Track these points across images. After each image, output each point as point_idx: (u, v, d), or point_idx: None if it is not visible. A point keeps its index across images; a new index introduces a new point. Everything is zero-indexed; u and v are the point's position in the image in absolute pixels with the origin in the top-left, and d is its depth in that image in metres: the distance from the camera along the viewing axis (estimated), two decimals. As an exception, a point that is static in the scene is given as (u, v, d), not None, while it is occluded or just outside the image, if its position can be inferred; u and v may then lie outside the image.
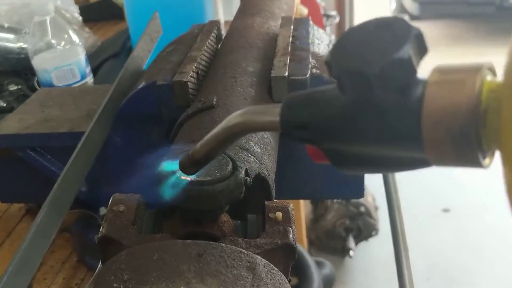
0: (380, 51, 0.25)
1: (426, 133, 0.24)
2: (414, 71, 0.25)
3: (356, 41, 0.26)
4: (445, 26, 4.42)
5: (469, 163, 0.25)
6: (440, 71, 0.25)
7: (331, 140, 0.29)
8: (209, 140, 0.32)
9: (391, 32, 0.25)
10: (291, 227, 0.35)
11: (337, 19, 2.74)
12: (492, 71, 0.25)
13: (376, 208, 2.08)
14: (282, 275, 0.32)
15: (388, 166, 0.29)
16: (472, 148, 0.24)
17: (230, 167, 0.35)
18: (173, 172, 0.34)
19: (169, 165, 0.35)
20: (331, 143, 0.29)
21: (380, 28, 0.26)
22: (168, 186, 0.34)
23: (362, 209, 2.03)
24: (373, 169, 0.30)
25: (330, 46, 0.27)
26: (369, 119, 0.26)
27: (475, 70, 0.24)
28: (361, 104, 0.26)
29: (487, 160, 0.25)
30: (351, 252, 1.99)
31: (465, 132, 0.23)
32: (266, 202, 0.36)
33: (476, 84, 0.23)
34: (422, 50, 0.26)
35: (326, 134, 0.29)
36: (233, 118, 0.31)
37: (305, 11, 1.74)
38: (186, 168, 0.33)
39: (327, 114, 0.28)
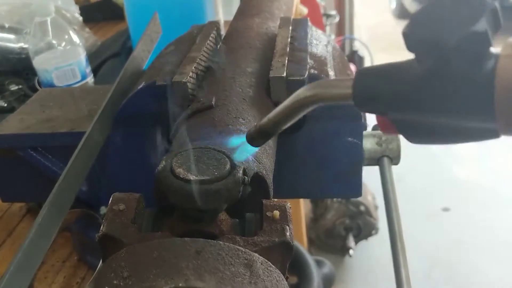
0: (457, 24, 0.26)
1: (498, 103, 0.26)
2: (489, 44, 0.26)
3: (434, 14, 0.28)
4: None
5: None
6: None
7: (403, 111, 0.30)
8: (278, 112, 0.34)
9: (467, 6, 0.27)
10: (288, 225, 0.35)
11: (337, 19, 2.74)
12: None
13: (376, 207, 2.08)
14: (279, 272, 0.32)
15: (458, 136, 0.30)
16: None
17: (228, 166, 0.36)
18: (241, 143, 0.36)
19: (236, 140, 0.37)
20: (403, 113, 0.30)
21: (456, 1, 0.27)
22: (237, 153, 0.35)
23: (362, 208, 2.03)
24: (443, 140, 0.31)
25: (409, 18, 0.29)
26: (444, 89, 0.28)
27: None
28: (436, 75, 0.28)
29: None
30: (351, 251, 1.99)
31: None
32: (264, 201, 0.37)
33: None
34: (496, 23, 0.27)
35: (399, 105, 0.30)
36: (304, 90, 0.33)
37: (305, 10, 1.74)
38: (253, 139, 0.35)
39: (402, 85, 0.29)
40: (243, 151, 0.36)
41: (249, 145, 0.36)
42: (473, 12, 0.26)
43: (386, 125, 0.32)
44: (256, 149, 0.36)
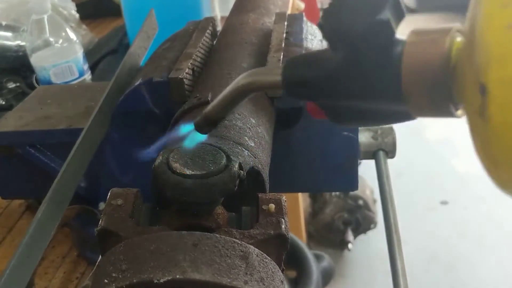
0: (363, 14, 0.29)
1: (405, 86, 0.28)
2: (392, 32, 0.29)
3: (344, 5, 0.30)
4: (442, 18, 4.42)
5: (443, 113, 0.28)
6: (416, 33, 0.29)
7: (326, 97, 0.32)
8: (220, 100, 0.36)
9: None
10: (283, 218, 0.36)
11: (334, 13, 2.74)
12: (462, 33, 0.28)
13: (375, 201, 2.09)
14: (275, 264, 0.33)
15: (377, 119, 0.33)
16: (444, 99, 0.27)
17: (224, 161, 0.36)
18: (190, 131, 0.38)
19: (185, 128, 0.38)
20: (327, 99, 0.33)
21: None
22: (187, 141, 0.37)
23: (361, 202, 2.04)
24: (364, 123, 0.35)
25: (323, 11, 0.31)
26: (357, 76, 0.30)
27: (446, 31, 0.28)
28: (349, 62, 0.30)
29: (459, 112, 0.28)
30: (349, 245, 2.00)
31: (437, 85, 0.27)
32: (260, 195, 0.38)
33: (446, 43, 0.27)
34: (399, 14, 0.29)
35: (322, 91, 0.32)
36: (241, 79, 0.35)
37: (302, 5, 1.74)
38: (201, 127, 0.37)
39: (322, 73, 0.32)
40: (193, 139, 0.37)
41: (198, 133, 0.38)
42: (378, 3, 0.29)
43: (315, 110, 0.35)
44: (204, 137, 0.38)
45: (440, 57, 0.27)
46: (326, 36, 0.31)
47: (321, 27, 0.31)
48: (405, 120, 0.32)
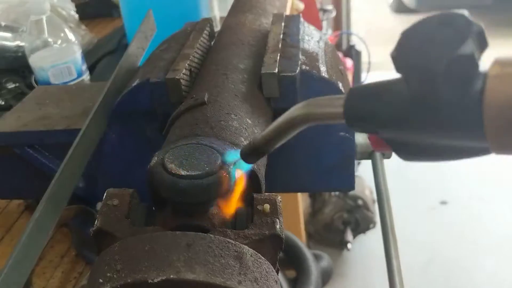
0: (444, 47, 0.26)
1: (487, 124, 0.26)
2: (476, 66, 0.26)
3: (420, 37, 0.28)
4: (442, 19, 4.41)
5: None
6: (500, 64, 0.26)
7: (394, 131, 0.30)
8: (271, 130, 0.34)
9: (453, 28, 0.27)
10: (278, 219, 0.36)
11: (334, 14, 2.74)
12: None
13: (374, 201, 2.09)
14: (269, 264, 0.33)
15: (449, 154, 0.31)
16: None
17: (219, 161, 0.37)
18: (236, 160, 0.37)
19: (230, 155, 0.37)
20: (394, 133, 0.30)
21: (442, 23, 0.27)
22: (232, 171, 0.36)
23: (360, 202, 2.04)
24: (435, 158, 0.32)
25: (396, 42, 0.29)
26: (433, 111, 0.28)
27: None
28: (425, 98, 0.28)
29: None
30: (349, 245, 2.01)
31: None
32: (255, 195, 0.38)
33: None
34: (482, 44, 0.27)
35: (389, 125, 0.30)
36: (296, 109, 0.33)
37: (301, 5, 1.75)
38: (247, 156, 0.36)
39: (392, 106, 0.29)
40: (238, 167, 0.36)
41: (243, 162, 0.36)
42: (459, 34, 0.26)
43: (378, 143, 0.33)
44: (250, 166, 0.37)
45: None
46: (399, 69, 0.28)
47: (394, 59, 0.28)
48: (481, 155, 0.29)
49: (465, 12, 0.27)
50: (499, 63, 0.26)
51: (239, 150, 0.36)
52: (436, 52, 0.26)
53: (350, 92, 0.32)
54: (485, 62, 0.27)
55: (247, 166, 0.37)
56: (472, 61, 0.26)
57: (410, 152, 0.31)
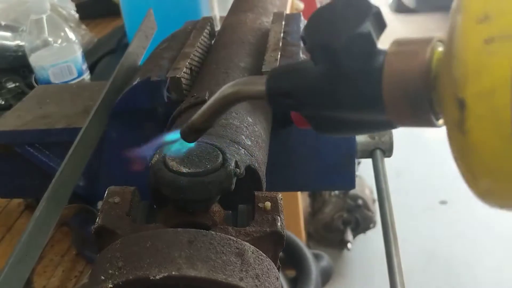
0: (344, 27, 0.29)
1: (386, 97, 0.28)
2: (374, 44, 0.29)
3: (326, 18, 0.30)
4: (442, 19, 4.42)
5: (424, 123, 0.28)
6: (398, 43, 0.29)
7: (310, 107, 0.32)
8: (206, 109, 0.36)
9: (354, 10, 0.29)
10: (279, 216, 0.36)
11: (333, 13, 2.74)
12: (443, 44, 0.28)
13: (374, 201, 2.09)
14: (271, 261, 0.33)
15: (360, 128, 0.33)
16: (425, 109, 0.27)
17: (220, 159, 0.37)
18: (176, 140, 0.38)
19: (171, 135, 0.38)
20: (310, 109, 0.33)
21: (345, 6, 0.30)
22: (172, 150, 0.37)
23: (360, 202, 2.04)
24: (348, 132, 0.35)
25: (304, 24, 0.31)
26: (339, 86, 0.30)
27: (427, 42, 0.27)
28: (331, 74, 0.30)
29: (440, 121, 0.28)
30: (349, 245, 2.01)
31: (418, 95, 0.27)
32: (256, 192, 0.38)
33: (426, 53, 0.27)
34: (381, 25, 0.29)
35: (305, 101, 0.32)
36: (226, 88, 0.35)
37: (301, 5, 1.75)
38: (187, 135, 0.37)
39: (305, 83, 0.32)
40: (180, 146, 0.37)
41: (184, 141, 0.38)
42: (359, 16, 0.29)
43: (299, 120, 0.35)
44: (191, 145, 0.38)
45: (421, 68, 0.27)
46: (307, 48, 0.31)
47: (302, 39, 0.31)
48: (388, 128, 0.32)
49: None
50: (397, 42, 0.29)
51: (179, 130, 0.38)
52: (336, 31, 0.29)
53: (271, 71, 0.34)
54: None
55: (189, 145, 0.38)
56: (369, 39, 0.28)
57: (327, 128, 0.34)
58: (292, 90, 0.32)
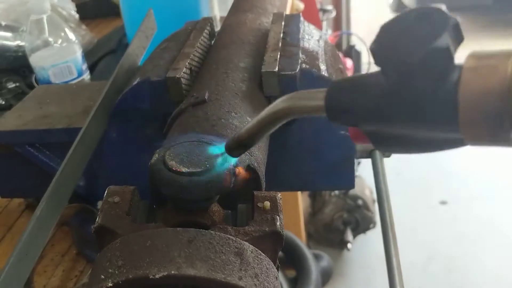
0: (420, 41, 0.27)
1: (462, 116, 0.26)
2: (451, 59, 0.27)
3: (398, 31, 0.28)
4: (442, 19, 4.40)
5: (503, 142, 0.26)
6: (475, 57, 0.27)
7: (373, 123, 0.31)
8: (254, 124, 0.34)
9: (429, 22, 0.27)
10: (278, 216, 0.36)
11: (334, 14, 2.75)
12: None
13: (374, 201, 2.09)
14: (270, 260, 0.33)
15: (426, 146, 0.31)
16: (505, 129, 0.25)
17: (222, 168, 0.37)
18: (221, 154, 0.37)
19: (215, 148, 0.38)
20: (373, 126, 0.31)
21: (419, 18, 0.28)
22: (218, 164, 0.36)
23: (360, 202, 2.05)
24: (412, 150, 0.32)
25: (375, 35, 0.29)
26: (410, 103, 0.28)
27: (508, 55, 0.26)
28: (402, 90, 0.28)
29: None
30: (349, 245, 2.01)
31: (498, 115, 0.25)
32: (255, 192, 0.38)
33: (508, 69, 0.25)
34: (458, 38, 0.27)
35: (368, 118, 0.30)
36: (279, 103, 0.33)
37: (301, 6, 1.75)
38: (231, 150, 0.36)
39: (370, 99, 0.30)
40: (224, 160, 0.37)
41: (228, 156, 0.37)
42: (435, 28, 0.27)
43: (358, 135, 0.33)
44: (235, 159, 0.37)
45: (501, 85, 0.25)
46: (377, 62, 0.29)
47: (372, 52, 0.29)
48: (457, 147, 0.30)
49: (443, 6, 0.28)
50: (474, 56, 0.27)
51: (224, 143, 0.36)
52: (412, 45, 0.27)
53: (331, 85, 0.32)
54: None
55: (233, 160, 0.37)
56: (447, 54, 0.27)
57: (389, 144, 0.32)
58: (356, 105, 0.31)
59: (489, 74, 0.25)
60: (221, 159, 0.36)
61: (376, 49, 0.29)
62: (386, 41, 0.28)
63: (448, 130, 0.28)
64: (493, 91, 0.25)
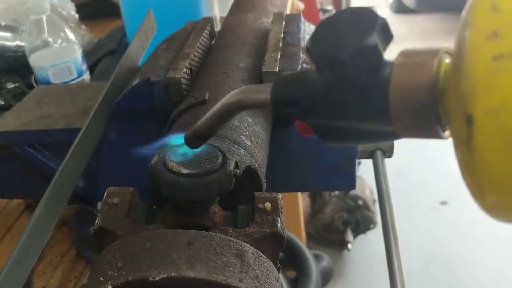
0: (351, 39, 0.28)
1: (392, 108, 0.28)
2: (380, 55, 0.28)
3: (332, 29, 0.30)
4: (442, 19, 4.42)
5: (430, 135, 0.28)
6: (405, 54, 0.28)
7: (315, 116, 0.32)
8: (209, 116, 0.36)
9: (360, 22, 0.29)
10: (279, 217, 0.36)
11: (334, 14, 2.74)
12: (451, 56, 0.28)
13: (374, 201, 2.09)
14: (270, 262, 0.33)
15: (365, 137, 0.33)
16: (432, 122, 0.27)
17: (220, 159, 0.37)
18: (180, 145, 0.38)
19: (175, 139, 0.38)
20: (316, 118, 0.32)
21: (352, 17, 0.29)
22: (176, 154, 0.37)
23: (360, 202, 2.04)
24: (353, 141, 0.34)
25: (310, 34, 0.31)
26: (345, 97, 0.30)
27: (434, 53, 0.27)
28: (337, 85, 0.30)
29: (446, 133, 0.28)
30: (349, 245, 2.01)
31: (424, 108, 0.27)
32: (256, 193, 0.38)
33: (434, 65, 0.27)
34: (388, 36, 0.29)
35: (311, 111, 0.32)
36: (230, 96, 0.34)
37: (301, 6, 1.75)
38: (190, 142, 0.37)
39: (310, 93, 0.31)
40: (184, 150, 0.37)
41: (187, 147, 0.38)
42: (365, 27, 0.28)
43: (304, 128, 0.35)
44: (195, 151, 0.38)
45: (428, 80, 0.27)
46: (313, 59, 0.30)
47: (308, 50, 0.31)
48: (392, 139, 0.32)
49: (373, 7, 0.30)
50: (404, 53, 0.28)
51: (183, 135, 0.37)
52: (343, 42, 0.28)
53: (276, 80, 0.34)
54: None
55: (192, 150, 0.38)
56: (376, 51, 0.28)
57: (332, 137, 0.33)
58: (297, 99, 0.32)
59: (417, 70, 0.27)
60: (182, 148, 0.37)
61: (312, 46, 0.30)
62: (320, 39, 0.30)
63: (382, 123, 0.29)
64: (420, 86, 0.27)
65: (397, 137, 0.30)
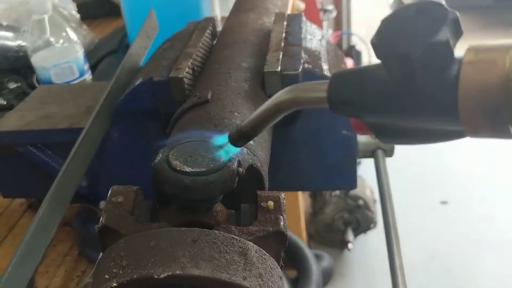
0: (420, 35, 0.27)
1: (462, 109, 0.27)
2: (451, 53, 0.27)
3: (399, 25, 0.29)
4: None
5: (501, 135, 0.27)
6: (474, 51, 0.27)
7: (374, 115, 0.31)
8: (257, 115, 0.35)
9: (429, 16, 0.28)
10: (282, 215, 0.36)
11: (334, 14, 2.75)
12: None
13: (375, 201, 2.09)
14: (274, 260, 0.33)
15: (426, 137, 0.32)
16: (504, 121, 0.26)
17: (223, 158, 0.37)
18: (224, 143, 0.37)
19: (218, 139, 0.38)
20: (375, 117, 0.31)
21: (419, 12, 0.28)
22: (222, 152, 0.36)
23: (361, 202, 2.04)
24: (413, 141, 0.33)
25: (376, 29, 0.30)
26: (411, 95, 0.29)
27: (506, 49, 0.26)
28: (404, 83, 0.29)
29: None
30: (349, 245, 2.01)
31: (497, 108, 0.25)
32: (258, 192, 0.38)
33: (506, 63, 0.25)
34: (458, 32, 0.28)
35: (371, 109, 0.31)
36: (281, 94, 0.33)
37: (302, 5, 1.75)
38: (235, 141, 0.36)
39: (372, 91, 0.30)
40: (227, 151, 0.37)
41: (231, 146, 0.37)
42: (435, 22, 0.27)
43: (359, 126, 0.33)
44: (238, 149, 0.37)
45: (500, 79, 0.25)
46: (378, 55, 0.29)
47: (374, 46, 0.29)
48: (456, 138, 0.30)
49: (442, 1, 0.28)
50: (472, 49, 0.27)
51: (227, 134, 0.37)
52: (413, 39, 0.27)
53: (333, 77, 0.33)
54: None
55: (235, 150, 0.37)
56: (447, 48, 0.27)
57: (390, 135, 0.32)
58: (358, 97, 0.31)
59: (488, 68, 0.26)
60: (223, 150, 0.37)
61: (377, 43, 0.29)
62: (387, 35, 0.29)
63: (449, 122, 0.28)
64: (492, 85, 0.25)
65: (462, 136, 0.29)
